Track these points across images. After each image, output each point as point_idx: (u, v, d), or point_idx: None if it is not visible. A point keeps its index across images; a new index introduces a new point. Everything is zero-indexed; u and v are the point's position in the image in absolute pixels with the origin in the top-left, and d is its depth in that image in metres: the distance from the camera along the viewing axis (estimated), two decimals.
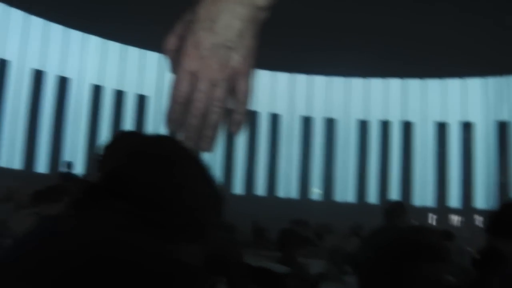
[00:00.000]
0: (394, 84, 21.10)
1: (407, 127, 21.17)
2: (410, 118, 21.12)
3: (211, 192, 1.32)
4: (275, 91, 21.05)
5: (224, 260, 3.02)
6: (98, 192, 1.26)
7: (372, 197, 20.76)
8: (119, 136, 2.62)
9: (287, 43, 18.17)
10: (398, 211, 5.66)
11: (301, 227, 12.37)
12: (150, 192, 1.23)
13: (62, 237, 1.18)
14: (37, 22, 18.11)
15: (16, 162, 17.64)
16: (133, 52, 19.76)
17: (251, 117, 20.98)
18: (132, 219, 1.21)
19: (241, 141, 20.88)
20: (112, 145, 2.42)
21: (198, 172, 1.32)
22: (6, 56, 17.55)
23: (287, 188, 21.00)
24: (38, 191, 5.36)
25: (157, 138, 1.41)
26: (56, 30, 18.48)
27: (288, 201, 20.35)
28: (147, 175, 1.25)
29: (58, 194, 5.44)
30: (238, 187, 20.39)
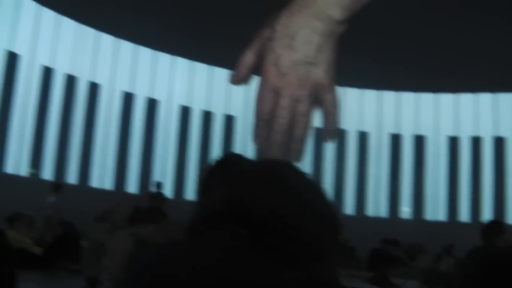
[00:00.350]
0: (484, 98, 20.60)
1: (497, 144, 20.60)
2: (502, 133, 20.54)
3: (329, 216, 1.29)
4: (363, 109, 20.86)
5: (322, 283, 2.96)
6: (213, 217, 1.25)
7: (464, 215, 20.24)
8: (227, 159, 2.60)
9: (374, 60, 18.01)
10: (496, 230, 5.45)
11: (392, 246, 12.17)
12: (269, 217, 1.21)
13: (179, 262, 1.18)
14: (126, 46, 18.54)
15: (107, 182, 18.04)
16: (220, 72, 19.95)
17: (340, 135, 20.81)
18: (251, 244, 1.19)
19: (328, 159, 20.75)
20: (221, 168, 2.41)
21: (316, 196, 1.29)
22: (97, 80, 18.02)
23: (376, 206, 20.72)
24: (134, 212, 5.44)
25: (272, 162, 1.37)
26: (145, 53, 18.87)
27: (377, 220, 20.08)
28: (265, 200, 1.22)
29: (153, 215, 5.52)
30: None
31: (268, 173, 1.31)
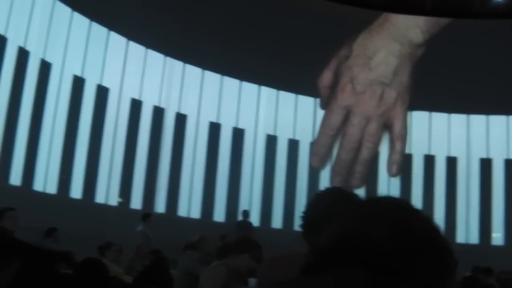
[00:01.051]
0: None
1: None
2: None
3: (447, 254, 1.23)
4: (451, 133, 20.41)
5: None
6: (329, 255, 1.20)
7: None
8: (335, 194, 2.56)
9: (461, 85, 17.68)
10: None
11: (484, 274, 11.80)
12: (387, 256, 1.15)
13: None
14: (212, 76, 18.81)
15: (194, 211, 18.22)
16: (304, 100, 19.92)
17: (428, 162, 20.43)
18: (371, 284, 1.14)
19: (417, 185, 20.34)
20: (331, 204, 2.36)
21: (434, 234, 1.23)
22: (184, 110, 18.31)
23: (466, 233, 20.16)
24: (226, 244, 5.45)
25: (386, 198, 1.30)
26: (230, 82, 19.08)
27: (467, 247, 19.53)
28: (383, 239, 1.16)
29: (246, 245, 5.51)
30: None
31: (384, 210, 1.24)
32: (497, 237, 20.28)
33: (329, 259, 1.19)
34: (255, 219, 17.38)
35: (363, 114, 17.48)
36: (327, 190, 2.75)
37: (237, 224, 15.39)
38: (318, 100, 19.55)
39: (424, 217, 1.26)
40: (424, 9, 17.41)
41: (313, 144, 18.54)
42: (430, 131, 19.60)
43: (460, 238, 20.05)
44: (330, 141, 17.80)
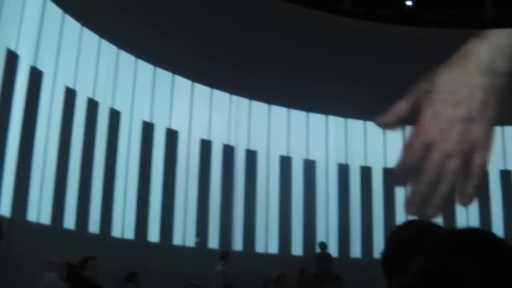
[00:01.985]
0: None
1: None
2: None
3: None
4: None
5: None
6: None
7: None
8: (414, 228, 2.49)
9: None
10: None
11: None
12: None
13: None
14: (278, 110, 18.81)
15: (272, 246, 18.15)
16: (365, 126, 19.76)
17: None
18: None
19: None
20: (411, 238, 2.28)
21: None
22: (253, 147, 18.34)
23: None
24: (304, 280, 5.39)
25: (475, 231, 1.24)
26: (298, 115, 19.04)
27: None
28: (473, 275, 1.11)
29: (326, 277, 5.43)
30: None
31: (473, 243, 1.18)
32: None
33: None
34: (333, 250, 17.20)
35: (445, 150, 17.36)
36: (406, 223, 2.63)
37: (316, 257, 15.25)
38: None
39: (508, 246, 1.20)
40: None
41: (390, 175, 18.42)
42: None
43: None
44: (408, 174, 17.72)
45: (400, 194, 19.19)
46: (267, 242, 18.15)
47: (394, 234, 2.53)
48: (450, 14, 18.63)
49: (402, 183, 17.96)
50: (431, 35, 17.77)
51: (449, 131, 17.65)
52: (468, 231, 1.24)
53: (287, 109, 18.97)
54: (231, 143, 18.09)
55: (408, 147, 18.01)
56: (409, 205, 18.12)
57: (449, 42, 17.89)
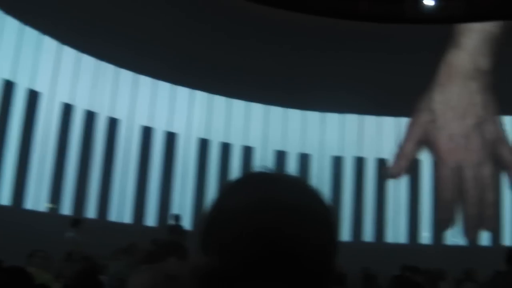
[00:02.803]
0: None
1: None
2: None
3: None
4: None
5: None
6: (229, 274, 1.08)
7: (484, 239, 20.06)
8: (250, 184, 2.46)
9: None
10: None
11: (412, 273, 12.09)
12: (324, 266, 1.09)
13: None
14: (145, 81, 18.72)
15: (126, 216, 18.10)
16: (237, 104, 20.08)
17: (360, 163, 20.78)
18: None
19: (347, 187, 20.71)
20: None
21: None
22: (116, 115, 18.18)
23: (396, 233, 20.58)
24: (153, 250, 5.49)
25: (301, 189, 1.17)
26: (163, 87, 19.04)
27: (397, 246, 19.94)
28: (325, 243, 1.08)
29: (174, 249, 5.54)
30: (345, 234, 20.11)
31: (312, 205, 1.11)
32: (426, 236, 20.75)
33: (245, 270, 1.06)
34: (187, 223, 17.35)
35: (474, 162, 17.30)
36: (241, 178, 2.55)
37: (168, 228, 15.33)
38: (251, 104, 19.90)
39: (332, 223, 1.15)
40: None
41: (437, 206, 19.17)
42: None
43: (390, 238, 20.51)
44: (452, 200, 17.84)
45: None
46: (122, 211, 18.07)
47: (227, 189, 2.54)
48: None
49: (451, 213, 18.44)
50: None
51: (469, 144, 17.51)
52: (299, 189, 1.16)
53: (152, 80, 18.91)
54: (94, 110, 17.84)
55: (440, 176, 18.18)
56: (469, 230, 18.39)
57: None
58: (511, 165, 17.01)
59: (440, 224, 19.03)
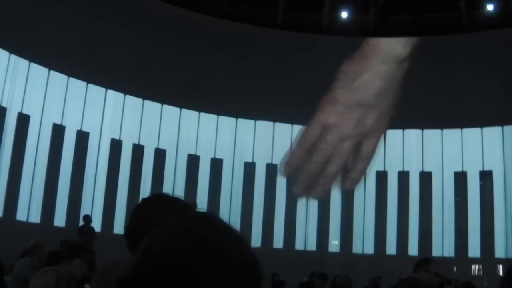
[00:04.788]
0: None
1: (424, 177, 21.10)
2: (428, 168, 21.07)
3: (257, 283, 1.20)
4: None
5: None
6: (143, 278, 1.15)
7: (391, 248, 20.61)
8: (159, 202, 2.53)
9: None
10: (424, 265, 5.72)
11: (319, 280, 12.33)
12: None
13: None
14: (58, 77, 18.40)
15: (34, 216, 17.71)
16: (151, 106, 20.00)
17: (271, 170, 21.01)
18: None
19: (259, 195, 20.89)
20: (155, 214, 2.25)
21: (250, 264, 1.20)
22: (26, 111, 17.79)
23: (305, 240, 20.88)
24: (55, 251, 5.43)
25: (204, 219, 1.25)
26: (76, 84, 18.76)
27: (306, 254, 20.25)
28: (205, 273, 1.12)
29: (76, 251, 5.50)
30: (256, 240, 20.27)
31: (204, 235, 1.18)
32: (335, 244, 21.17)
33: (145, 281, 1.14)
34: (97, 224, 17.14)
35: (340, 133, 17.94)
36: (151, 198, 2.66)
37: (79, 229, 15.13)
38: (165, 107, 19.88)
39: (238, 240, 1.21)
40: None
41: (287, 156, 18.87)
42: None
43: (299, 245, 20.81)
44: (303, 154, 18.19)
45: (169, 175, 19.65)
46: (30, 210, 17.68)
47: (138, 208, 2.58)
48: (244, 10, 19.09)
49: (295, 167, 18.46)
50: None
51: (345, 115, 18.21)
52: (204, 221, 1.22)
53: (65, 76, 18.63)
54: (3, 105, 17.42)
55: (306, 130, 18.39)
56: (297, 184, 18.68)
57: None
58: (364, 160, 18.29)
59: (288, 164, 19.65)
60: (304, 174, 18.69)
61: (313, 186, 18.43)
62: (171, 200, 2.54)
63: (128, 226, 2.55)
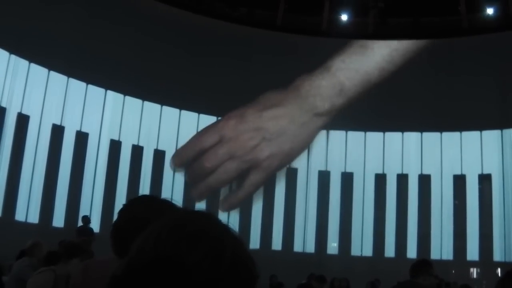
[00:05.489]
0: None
1: (423, 180, 21.12)
2: (427, 171, 21.09)
3: (253, 279, 1.21)
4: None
5: None
6: (139, 274, 1.15)
7: (390, 251, 20.62)
8: (146, 203, 2.53)
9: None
10: (422, 268, 5.70)
11: (317, 282, 12.33)
12: (200, 284, 1.14)
13: None
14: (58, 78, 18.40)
15: (32, 216, 17.70)
16: (150, 107, 19.99)
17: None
18: None
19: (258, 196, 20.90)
20: (142, 214, 2.31)
21: (244, 260, 1.20)
22: (25, 111, 17.79)
23: (304, 242, 20.89)
24: (53, 251, 5.45)
25: (201, 217, 1.26)
26: (76, 85, 18.75)
27: (304, 256, 20.25)
28: (199, 267, 1.13)
29: (74, 251, 5.52)
30: (254, 242, 20.27)
31: (198, 230, 1.19)
32: (334, 246, 21.17)
33: (139, 276, 1.14)
34: (95, 226, 17.13)
35: (231, 150, 17.84)
36: (138, 199, 2.66)
37: (77, 230, 15.11)
38: (165, 108, 19.88)
39: (233, 238, 1.22)
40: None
41: (179, 149, 18.88)
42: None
43: (298, 247, 20.81)
44: (194, 154, 18.13)
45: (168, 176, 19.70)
46: (29, 211, 17.68)
47: (125, 208, 2.59)
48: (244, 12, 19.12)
49: (186, 160, 18.35)
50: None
51: (246, 135, 18.11)
52: (199, 217, 1.23)
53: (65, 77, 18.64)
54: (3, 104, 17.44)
55: (204, 133, 18.35)
56: (187, 174, 18.62)
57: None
58: (244, 189, 18.38)
59: (178, 156, 19.54)
60: (191, 172, 18.71)
61: (196, 187, 18.55)
62: (158, 200, 2.54)
63: (115, 224, 2.59)
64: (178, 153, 19.13)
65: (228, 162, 17.41)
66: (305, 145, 18.80)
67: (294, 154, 18.28)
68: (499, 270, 19.26)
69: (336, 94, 18.27)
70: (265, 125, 17.53)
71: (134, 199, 2.60)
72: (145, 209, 2.40)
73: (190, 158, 18.33)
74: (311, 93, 17.99)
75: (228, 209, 18.27)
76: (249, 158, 17.55)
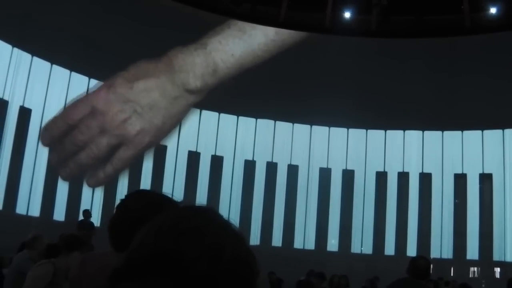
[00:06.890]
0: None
1: (424, 179, 21.14)
2: (428, 169, 21.11)
3: (253, 276, 1.20)
4: (296, 143, 21.25)
5: None
6: (139, 267, 1.16)
7: (390, 249, 20.65)
8: (143, 198, 2.52)
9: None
10: (422, 266, 5.71)
11: (317, 279, 12.36)
12: (199, 279, 1.14)
13: None
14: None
15: (34, 209, 17.73)
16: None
17: (271, 168, 21.05)
18: None
19: (259, 191, 20.93)
20: (140, 209, 2.33)
21: (244, 257, 1.20)
22: (27, 105, 17.82)
23: (304, 239, 20.93)
24: (53, 244, 5.46)
25: (202, 212, 1.26)
26: (80, 79, 18.76)
27: (304, 252, 20.28)
28: (197, 263, 1.14)
29: (74, 244, 5.53)
30: (255, 238, 20.33)
31: (198, 226, 1.20)
32: (334, 243, 21.20)
33: (138, 270, 1.15)
34: (96, 219, 17.16)
35: (102, 124, 17.14)
36: (135, 193, 2.65)
37: (78, 224, 15.12)
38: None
39: (233, 234, 1.23)
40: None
41: (48, 123, 17.89)
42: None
43: (298, 244, 20.85)
44: (65, 128, 17.44)
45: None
46: (30, 204, 17.71)
47: (122, 203, 2.59)
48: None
49: (54, 138, 17.62)
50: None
51: (114, 108, 17.42)
52: (200, 212, 1.24)
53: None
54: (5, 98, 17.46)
55: (74, 105, 17.45)
56: (53, 154, 18.08)
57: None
58: (114, 164, 17.24)
59: (46, 137, 18.10)
60: (60, 149, 17.65)
61: (65, 166, 17.69)
62: (156, 195, 2.54)
63: (112, 219, 2.57)
64: (48, 127, 17.77)
65: (99, 137, 16.56)
66: (177, 122, 18.30)
67: (165, 129, 17.73)
68: (498, 269, 19.30)
69: (209, 74, 18.03)
70: (136, 98, 16.73)
71: (131, 194, 2.61)
72: (142, 204, 2.41)
73: (61, 133, 17.51)
74: (184, 69, 17.67)
75: (95, 186, 18.16)
76: (120, 133, 16.66)
